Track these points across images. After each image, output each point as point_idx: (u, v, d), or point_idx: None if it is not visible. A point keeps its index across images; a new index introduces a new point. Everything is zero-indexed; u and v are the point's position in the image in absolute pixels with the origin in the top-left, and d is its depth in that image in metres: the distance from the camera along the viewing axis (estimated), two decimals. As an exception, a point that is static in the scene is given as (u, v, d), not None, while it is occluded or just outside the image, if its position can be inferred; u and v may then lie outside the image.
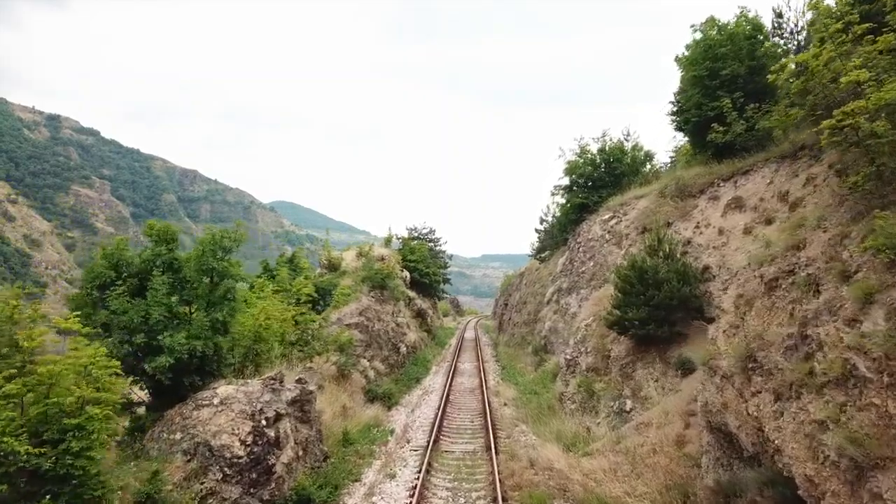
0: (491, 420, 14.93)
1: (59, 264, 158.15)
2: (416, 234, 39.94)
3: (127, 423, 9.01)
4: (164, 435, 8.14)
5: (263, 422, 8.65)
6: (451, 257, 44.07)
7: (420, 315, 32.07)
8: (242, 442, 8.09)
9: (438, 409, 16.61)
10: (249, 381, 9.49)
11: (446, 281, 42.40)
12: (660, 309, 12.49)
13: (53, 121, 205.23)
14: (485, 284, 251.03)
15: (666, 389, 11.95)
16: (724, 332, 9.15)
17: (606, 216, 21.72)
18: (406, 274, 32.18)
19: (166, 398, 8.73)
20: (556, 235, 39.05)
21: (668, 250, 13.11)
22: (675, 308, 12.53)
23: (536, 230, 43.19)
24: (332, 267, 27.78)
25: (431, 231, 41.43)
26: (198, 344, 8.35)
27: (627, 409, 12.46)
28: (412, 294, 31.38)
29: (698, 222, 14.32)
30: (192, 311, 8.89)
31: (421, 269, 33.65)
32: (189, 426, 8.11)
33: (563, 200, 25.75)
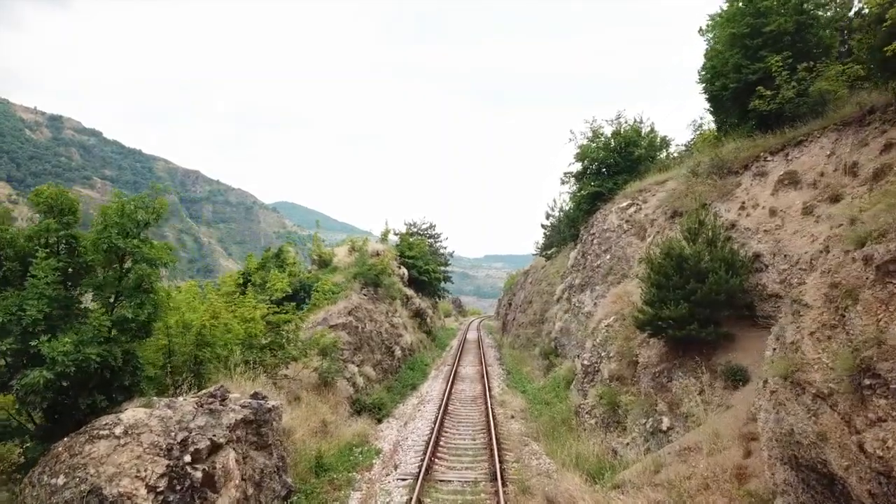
0: (496, 438, 12.57)
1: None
2: (415, 230, 37.61)
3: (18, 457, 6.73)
4: (45, 478, 5.83)
5: (188, 457, 6.32)
6: (452, 254, 41.67)
7: (418, 315, 29.73)
8: (151, 489, 5.77)
9: (435, 422, 14.27)
10: (177, 399, 7.16)
11: (447, 279, 40.02)
12: (703, 305, 10.13)
13: (55, 121, 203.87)
14: (487, 285, 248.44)
15: (714, 405, 9.58)
16: (813, 334, 6.78)
17: (624, 204, 19.36)
18: (404, 271, 29.86)
19: (61, 423, 6.47)
20: (564, 231, 36.69)
21: (710, 235, 10.74)
22: (722, 304, 10.17)
23: (542, 225, 40.85)
24: (323, 263, 25.50)
25: (431, 226, 39.09)
26: (92, 352, 6.07)
27: (664, 427, 10.09)
28: (410, 292, 29.05)
29: (743, 203, 11.94)
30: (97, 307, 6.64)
31: (420, 265, 31.31)
32: (78, 466, 5.80)
33: (575, 188, 23.37)
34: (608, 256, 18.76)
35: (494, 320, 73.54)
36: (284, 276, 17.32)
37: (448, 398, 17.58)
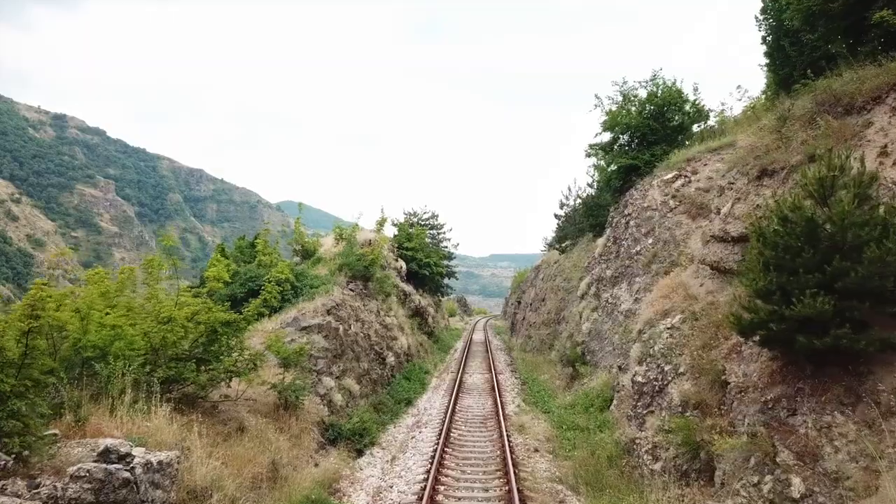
0: (517, 488, 8.69)
1: (61, 264, 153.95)
2: (414, 219, 33.70)
3: None
4: None
5: None
6: (457, 246, 37.77)
7: (418, 314, 25.90)
8: None
9: (433, 460, 10.43)
10: None
11: (451, 274, 36.15)
12: (856, 297, 6.25)
13: (59, 120, 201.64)
14: (493, 284, 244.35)
15: (892, 461, 5.69)
16: None
17: (668, 176, 15.46)
18: (401, 264, 26.04)
19: None
20: (581, 220, 32.78)
21: (856, 189, 6.81)
22: (888, 294, 6.29)
23: (556, 216, 36.93)
24: (307, 253, 21.70)
25: (434, 216, 35.16)
26: None
27: (795, 494, 6.20)
28: (408, 288, 25.21)
29: (884, 147, 8.04)
30: None
31: (420, 258, 27.47)
32: None
33: (603, 163, 19.44)
34: (650, 241, 14.87)
35: (502, 320, 69.62)
36: (225, 264, 13.57)
37: (451, 419, 13.74)
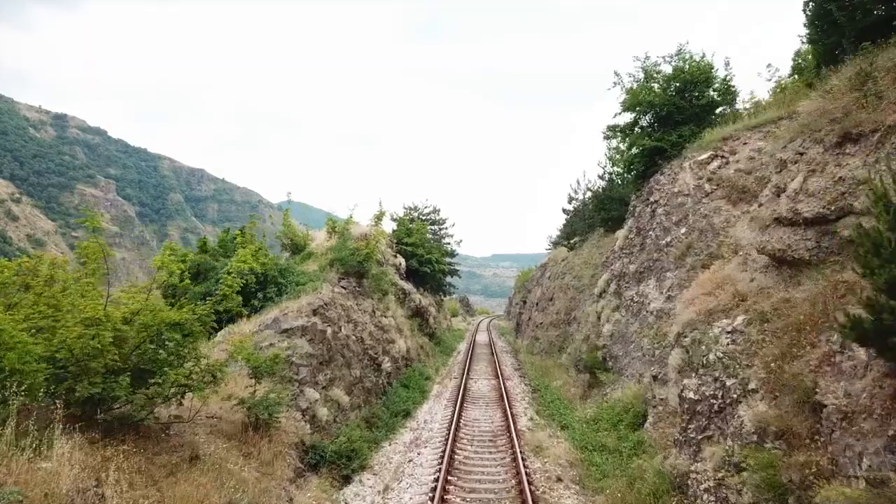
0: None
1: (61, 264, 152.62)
2: (415, 214, 31.69)
3: None
4: None
5: None
6: (460, 243, 35.74)
7: (419, 314, 23.94)
8: None
9: (434, 494, 8.47)
10: None
11: (453, 272, 34.17)
12: None
13: (60, 120, 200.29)
14: (495, 284, 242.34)
15: None
16: None
17: (703, 157, 13.50)
18: (400, 261, 24.09)
19: None
20: (591, 214, 30.81)
21: None
22: None
23: (564, 210, 34.93)
24: (296, 248, 19.81)
25: (435, 210, 33.15)
26: None
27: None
28: (407, 286, 23.25)
29: None
30: None
31: (420, 254, 25.50)
32: None
33: (625, 145, 17.42)
34: (682, 230, 12.89)
35: (505, 320, 67.68)
36: (181, 255, 11.73)
37: (454, 436, 11.77)
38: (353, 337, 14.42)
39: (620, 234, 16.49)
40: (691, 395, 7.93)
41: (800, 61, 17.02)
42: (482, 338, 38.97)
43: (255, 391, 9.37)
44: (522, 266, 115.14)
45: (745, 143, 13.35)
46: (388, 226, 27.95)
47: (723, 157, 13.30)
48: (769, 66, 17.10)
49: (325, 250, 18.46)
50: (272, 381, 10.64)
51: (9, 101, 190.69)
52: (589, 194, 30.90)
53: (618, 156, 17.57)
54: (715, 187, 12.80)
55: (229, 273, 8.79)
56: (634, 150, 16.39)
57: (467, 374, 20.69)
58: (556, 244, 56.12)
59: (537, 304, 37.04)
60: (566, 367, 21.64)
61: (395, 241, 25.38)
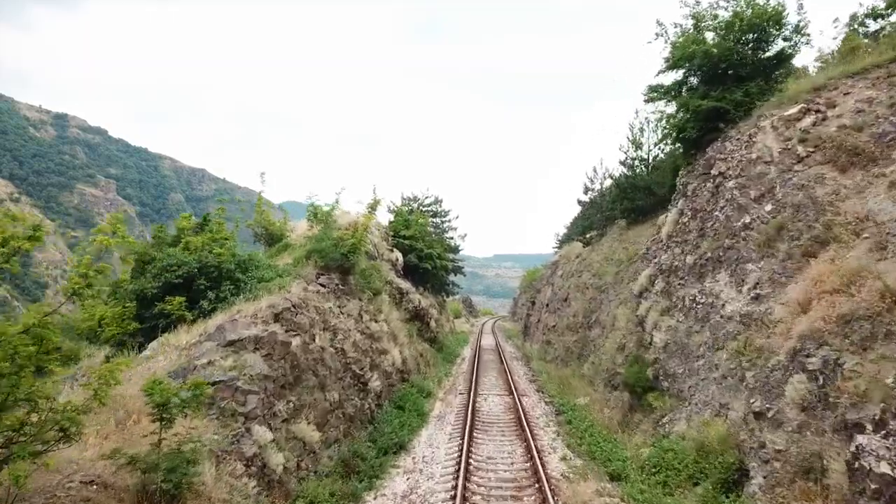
0: None
1: (60, 264, 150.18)
2: (414, 204, 28.24)
3: None
4: None
5: None
6: (464, 237, 32.24)
7: (418, 317, 20.57)
8: None
9: None
10: None
11: (457, 270, 30.76)
12: None
13: (60, 119, 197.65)
14: (497, 284, 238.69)
15: None
16: None
17: (791, 112, 10.13)
18: (397, 256, 20.74)
19: None
20: (609, 207, 27.46)
21: None
22: None
23: (579, 202, 31.53)
24: (271, 238, 16.50)
25: (437, 201, 29.71)
26: None
27: None
28: (405, 285, 19.88)
29: None
30: None
31: (420, 248, 22.13)
32: None
33: (672, 109, 13.99)
34: (767, 207, 9.51)
35: (510, 321, 64.23)
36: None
37: (465, 484, 8.41)
38: (332, 349, 11.06)
39: (668, 219, 13.08)
40: (879, 465, 4.54)
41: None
42: (488, 341, 35.59)
43: (160, 440, 6.05)
44: (525, 266, 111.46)
45: (846, 94, 9.99)
46: (385, 217, 24.67)
47: (818, 111, 9.93)
48: (836, 19, 13.62)
49: (306, 241, 15.14)
50: (204, 418, 7.35)
51: (9, 101, 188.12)
52: (609, 182, 27.55)
53: (664, 123, 14.16)
54: (812, 150, 9.43)
55: (81, 260, 5.41)
56: (682, 116, 12.97)
57: (475, 387, 17.31)
58: (562, 242, 52.68)
59: (547, 305, 33.66)
60: (590, 378, 18.31)
61: (391, 233, 22.03)
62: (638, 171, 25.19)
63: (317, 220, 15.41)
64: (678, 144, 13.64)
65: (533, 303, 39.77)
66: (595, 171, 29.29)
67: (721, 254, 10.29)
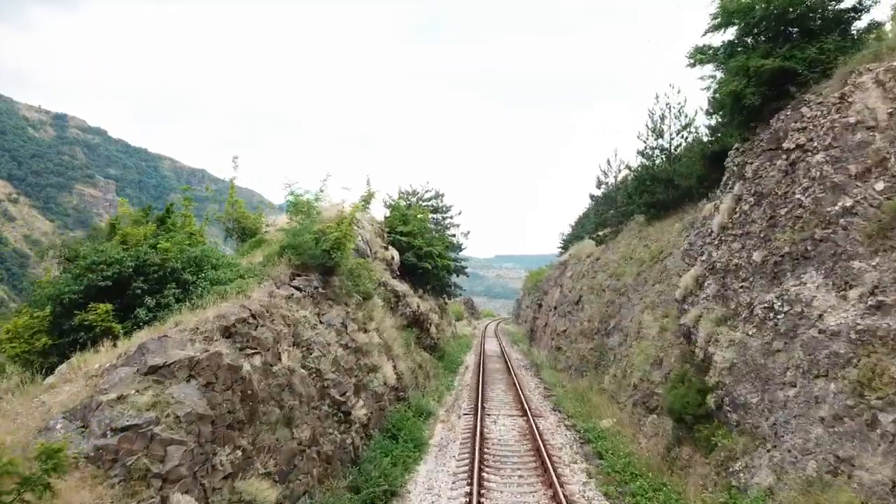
0: None
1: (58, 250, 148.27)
2: (413, 199, 25.71)
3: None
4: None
5: None
6: (468, 234, 29.66)
7: (416, 323, 18.10)
8: None
9: None
10: None
11: (460, 271, 28.27)
12: None
13: (60, 120, 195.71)
14: (498, 285, 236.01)
15: None
16: None
17: (901, 61, 7.61)
18: (393, 254, 18.29)
19: None
20: (625, 202, 25.04)
21: None
22: None
23: (592, 197, 29.06)
24: (244, 233, 14.07)
25: (438, 195, 27.17)
26: None
27: None
28: (402, 287, 17.41)
29: None
30: None
31: (419, 246, 19.66)
32: None
33: (721, 74, 11.46)
34: (878, 186, 7.05)
35: (514, 324, 61.73)
36: None
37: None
38: (304, 371, 8.61)
39: (720, 207, 10.58)
40: None
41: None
42: (492, 347, 33.12)
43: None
44: (526, 267, 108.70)
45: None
46: (380, 213, 22.19)
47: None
48: None
49: (283, 235, 12.65)
50: (102, 482, 4.95)
51: (8, 101, 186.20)
52: (624, 175, 25.11)
53: (714, 88, 11.67)
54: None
55: None
56: (738, 81, 10.47)
57: (481, 405, 14.85)
58: (568, 242, 50.06)
59: (556, 308, 31.22)
60: (612, 394, 15.89)
61: (386, 229, 19.58)
62: (658, 161, 22.79)
63: (296, 211, 12.97)
64: (730, 117, 11.14)
65: (539, 305, 37.30)
66: (609, 163, 26.85)
67: (808, 248, 7.83)
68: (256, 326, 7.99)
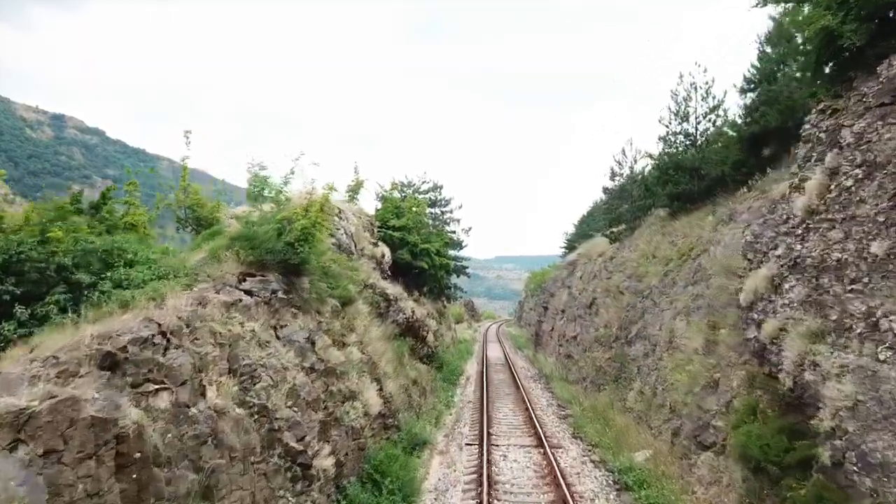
0: None
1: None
2: (408, 190, 23.00)
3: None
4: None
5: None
6: (469, 230, 26.94)
7: (411, 331, 15.47)
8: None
9: None
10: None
11: (461, 270, 25.61)
12: None
13: (58, 120, 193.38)
14: (498, 286, 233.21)
15: None
16: None
17: None
18: (383, 251, 15.68)
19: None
20: (644, 195, 22.54)
21: None
22: None
23: (605, 189, 26.46)
24: (200, 223, 11.45)
25: (436, 187, 24.51)
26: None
27: None
28: (393, 290, 14.77)
29: None
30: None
31: (414, 242, 17.00)
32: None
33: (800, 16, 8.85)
34: None
35: (516, 326, 59.04)
36: None
37: None
38: (239, 411, 5.99)
39: (808, 185, 7.97)
40: None
41: None
42: (495, 353, 30.50)
43: None
44: (526, 268, 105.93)
45: None
46: (374, 207, 19.49)
47: None
48: None
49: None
50: None
51: (5, 102, 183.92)
52: (642, 165, 22.57)
53: (796, 32, 9.06)
54: None
55: None
56: (831, 18, 7.87)
57: (487, 432, 12.23)
58: (571, 242, 47.39)
59: (564, 311, 28.60)
60: (641, 415, 13.38)
61: (377, 223, 16.98)
62: (681, 148, 20.25)
63: (256, 195, 10.36)
64: (815, 67, 8.55)
65: (545, 308, 34.67)
66: (624, 152, 24.22)
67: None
68: (166, 349, 5.40)
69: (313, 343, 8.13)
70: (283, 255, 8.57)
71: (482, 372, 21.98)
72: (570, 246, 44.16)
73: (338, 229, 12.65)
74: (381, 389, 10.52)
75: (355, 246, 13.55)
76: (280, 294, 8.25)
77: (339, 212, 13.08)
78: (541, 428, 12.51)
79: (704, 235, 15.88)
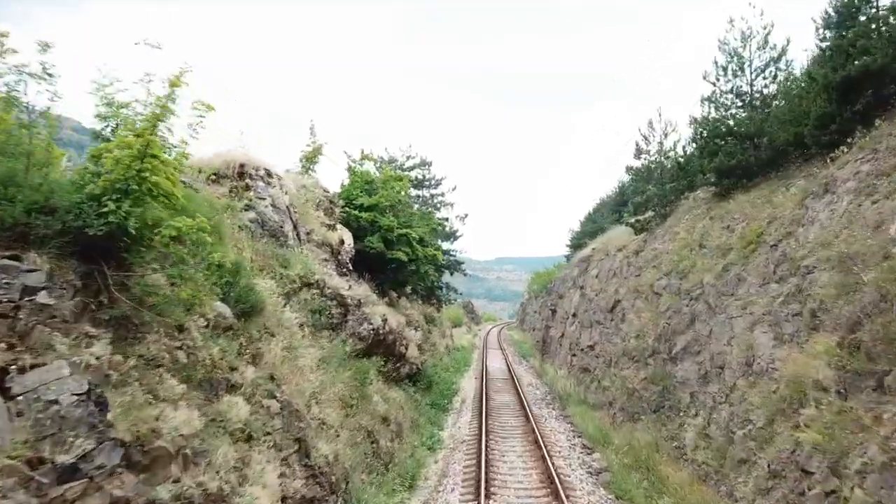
0: None
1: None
2: (388, 166, 18.26)
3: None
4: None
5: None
6: (465, 218, 22.09)
7: (381, 347, 10.95)
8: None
9: None
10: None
11: (454, 267, 21.02)
12: None
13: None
14: (499, 287, 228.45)
15: None
16: None
17: None
18: (343, 237, 11.20)
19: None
20: (680, 174, 18.16)
21: None
22: None
23: (629, 169, 21.93)
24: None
25: (424, 164, 19.84)
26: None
27: None
28: (352, 291, 10.24)
29: None
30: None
31: (386, 225, 12.34)
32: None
33: None
34: None
35: (518, 330, 54.46)
36: None
37: None
38: None
39: None
40: None
41: None
42: (496, 364, 25.98)
43: None
44: (527, 269, 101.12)
45: None
46: (325, 168, 14.82)
47: None
48: None
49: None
50: None
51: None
52: (675, 139, 18.15)
53: None
54: None
55: None
56: None
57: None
58: (577, 241, 42.88)
59: (575, 315, 24.13)
60: (708, 467, 9.02)
61: (341, 202, 12.48)
62: (733, 110, 15.88)
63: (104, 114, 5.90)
64: None
65: (553, 311, 30.14)
66: (651, 125, 19.70)
67: None
68: None
69: (102, 404, 3.66)
70: (80, 220, 4.14)
71: (481, 391, 17.54)
72: (577, 244, 39.79)
73: (261, 198, 8.22)
74: (307, 457, 6.06)
75: (294, 227, 9.10)
76: (50, 297, 3.81)
77: (266, 174, 8.63)
78: (561, 488, 8.04)
79: (783, 215, 11.54)
